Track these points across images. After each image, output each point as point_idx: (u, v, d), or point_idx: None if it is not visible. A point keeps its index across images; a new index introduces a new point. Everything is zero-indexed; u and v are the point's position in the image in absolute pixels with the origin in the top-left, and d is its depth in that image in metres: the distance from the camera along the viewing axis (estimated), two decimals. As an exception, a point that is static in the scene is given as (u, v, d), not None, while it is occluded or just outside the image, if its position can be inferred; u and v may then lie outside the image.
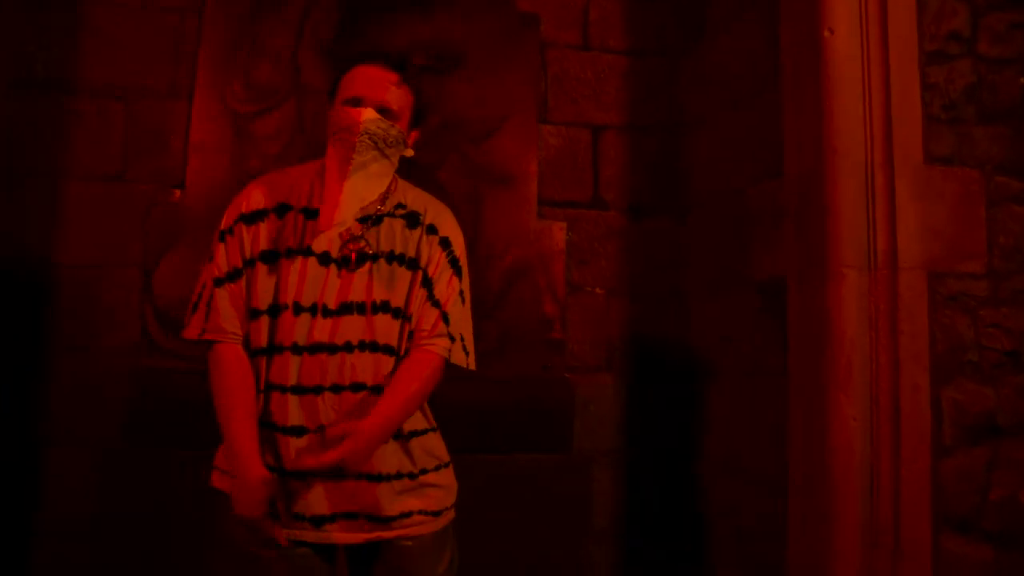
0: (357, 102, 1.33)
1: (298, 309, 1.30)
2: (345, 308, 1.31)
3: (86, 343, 2.29)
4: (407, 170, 1.50)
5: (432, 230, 1.41)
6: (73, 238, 2.30)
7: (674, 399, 2.55)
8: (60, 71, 2.34)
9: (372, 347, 1.32)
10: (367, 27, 2.47)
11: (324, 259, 1.31)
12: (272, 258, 1.32)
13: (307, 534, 1.30)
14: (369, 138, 1.31)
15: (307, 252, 1.31)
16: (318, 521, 1.29)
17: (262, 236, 1.33)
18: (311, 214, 1.34)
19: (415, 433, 1.38)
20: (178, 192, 2.35)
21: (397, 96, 1.37)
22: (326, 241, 1.31)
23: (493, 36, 2.53)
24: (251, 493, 1.24)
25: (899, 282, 1.88)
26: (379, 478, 1.32)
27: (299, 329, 1.29)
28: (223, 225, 1.36)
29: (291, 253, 1.32)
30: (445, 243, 1.41)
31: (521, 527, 2.34)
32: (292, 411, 1.29)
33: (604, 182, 2.60)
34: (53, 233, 2.30)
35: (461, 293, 1.41)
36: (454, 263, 1.41)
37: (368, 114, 1.31)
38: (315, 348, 1.29)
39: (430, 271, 1.38)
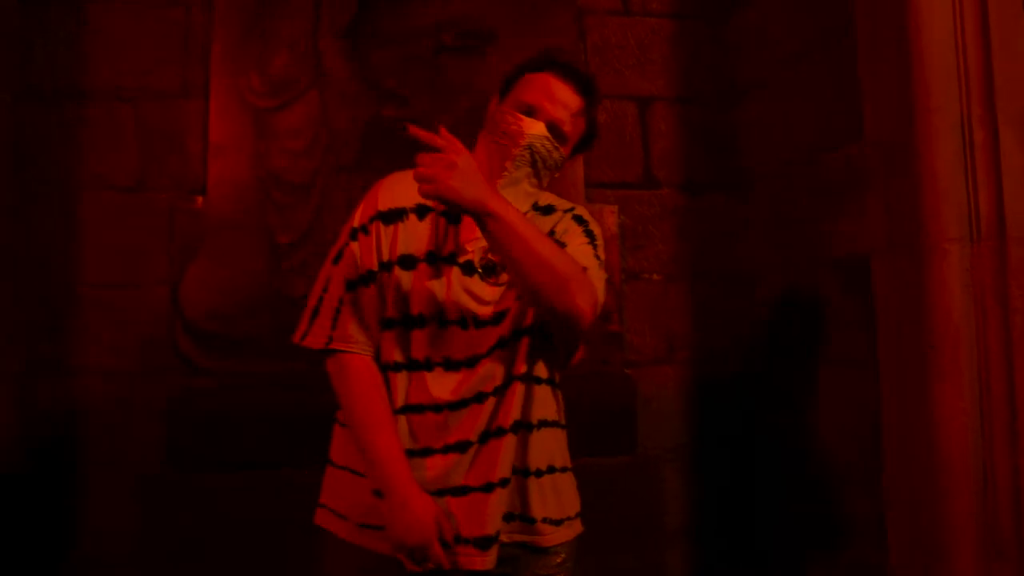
0: (530, 111, 1.21)
1: (443, 321, 1.17)
2: (499, 317, 1.17)
3: (116, 366, 2.16)
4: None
5: (568, 213, 1.27)
6: (93, 255, 2.17)
7: (743, 391, 2.35)
8: (68, 78, 2.19)
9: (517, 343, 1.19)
10: (388, 7, 2.27)
11: (468, 268, 1.18)
12: (411, 263, 1.18)
13: (474, 559, 1.14)
14: (531, 154, 1.20)
15: (451, 259, 1.18)
16: (484, 543, 1.14)
17: (400, 237, 1.18)
18: (453, 218, 1.21)
19: (557, 424, 1.26)
20: (200, 198, 2.19)
21: (573, 123, 1.25)
22: (469, 249, 1.19)
23: (526, 7, 2.31)
24: (419, 518, 1.10)
25: (1009, 255, 1.65)
26: (528, 473, 1.19)
27: (451, 342, 1.16)
28: (356, 221, 1.21)
29: (433, 259, 1.18)
30: (579, 220, 1.26)
31: (589, 534, 2.18)
32: (437, 430, 1.15)
33: (655, 158, 2.39)
34: (72, 252, 2.16)
35: (598, 259, 1.22)
36: (589, 235, 1.24)
37: (538, 128, 1.19)
38: (472, 361, 1.16)
39: (563, 239, 1.21)
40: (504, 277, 1.18)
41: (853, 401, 1.94)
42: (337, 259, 1.21)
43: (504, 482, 1.14)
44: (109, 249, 2.17)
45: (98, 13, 2.22)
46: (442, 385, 1.16)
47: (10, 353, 2.12)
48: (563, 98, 1.23)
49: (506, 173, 1.19)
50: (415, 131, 1.05)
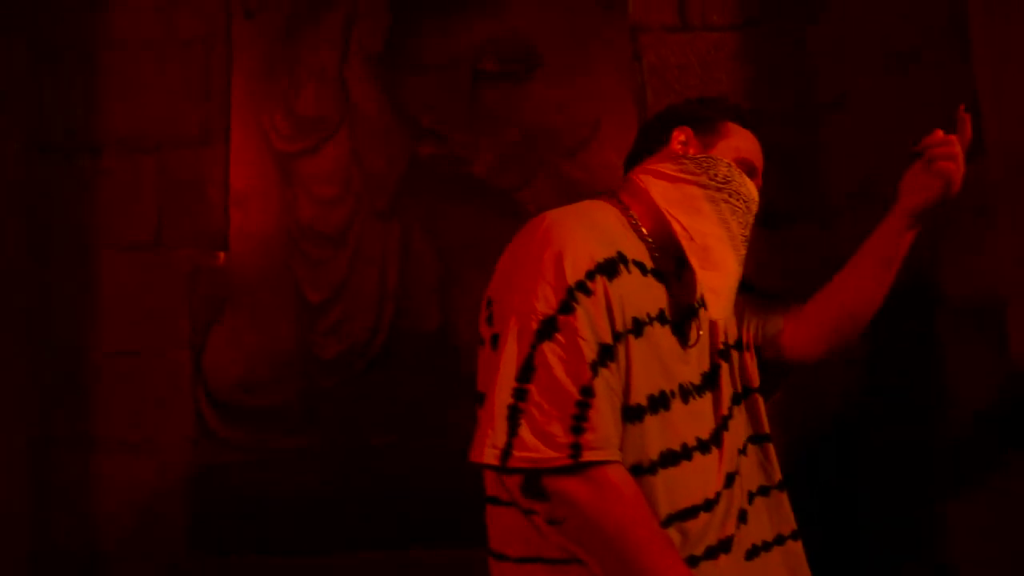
0: (752, 172, 1.15)
1: (686, 394, 0.99)
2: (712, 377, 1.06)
3: (136, 441, 1.96)
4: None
5: None
6: (111, 320, 1.98)
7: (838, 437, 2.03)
8: (83, 130, 2.03)
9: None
10: (423, 32, 2.07)
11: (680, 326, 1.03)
12: (640, 328, 0.94)
13: None
14: (752, 219, 1.10)
15: (663, 319, 0.99)
16: None
17: (627, 296, 0.93)
18: (659, 275, 1.02)
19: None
20: (222, 254, 2.00)
21: None
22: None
23: (573, 26, 2.08)
24: None
25: None
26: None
27: (697, 421, 1.00)
28: (570, 278, 0.89)
29: (664, 319, 0.99)
30: None
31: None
32: (708, 533, 0.94)
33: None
34: (88, 317, 1.98)
35: None
36: None
37: (756, 194, 1.13)
38: (717, 437, 1.01)
39: None
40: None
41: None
42: (545, 334, 0.88)
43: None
44: (127, 313, 1.99)
45: (113, 59, 2.07)
46: (704, 475, 0.97)
47: (21, 427, 1.94)
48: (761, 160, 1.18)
49: (746, 241, 1.07)
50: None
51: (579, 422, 0.85)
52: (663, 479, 0.92)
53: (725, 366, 1.08)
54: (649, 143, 1.14)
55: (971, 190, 1.59)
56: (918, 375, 1.82)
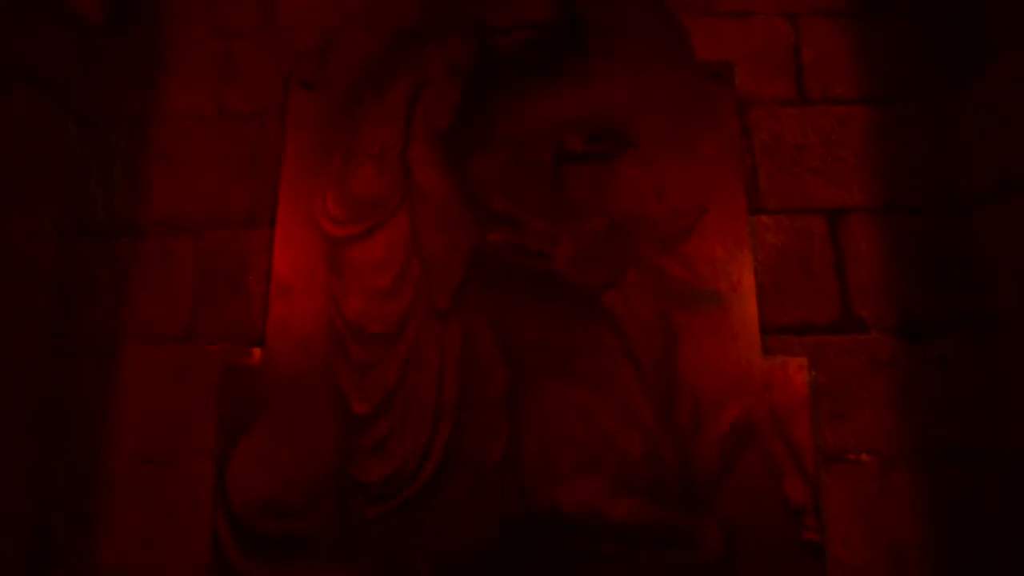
0: None
1: None
2: None
3: (143, 565, 1.68)
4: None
5: None
6: (130, 422, 1.73)
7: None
8: (124, 208, 1.84)
9: None
10: (496, 105, 1.82)
11: None
12: None
13: None
14: None
15: None
16: None
17: None
18: None
19: None
20: (257, 351, 1.73)
21: None
22: None
23: (671, 99, 1.80)
24: None
25: None
26: None
27: None
28: None
29: None
30: None
31: None
32: None
33: (856, 291, 1.74)
34: (106, 419, 1.74)
35: None
36: None
37: None
38: None
39: None
40: None
41: None
42: None
43: None
44: (148, 416, 1.73)
45: (162, 133, 1.89)
46: None
47: (18, 545, 1.68)
48: None
49: None
50: None
51: None
52: None
53: None
54: None
55: None
56: None
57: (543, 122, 1.81)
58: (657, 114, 1.79)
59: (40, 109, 1.82)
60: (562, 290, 1.68)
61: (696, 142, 1.77)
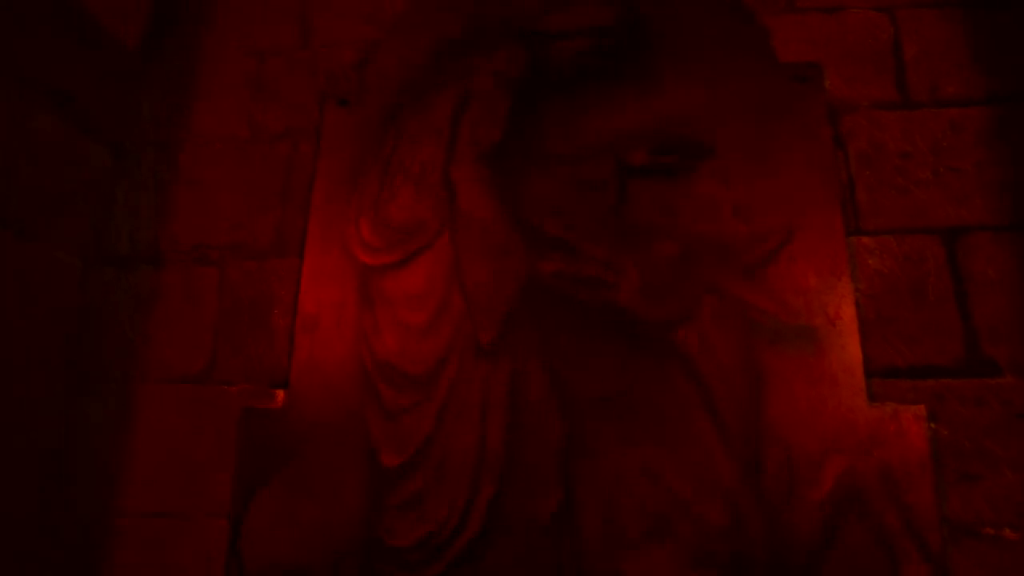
0: None
1: None
2: None
3: (151, 634, 1.49)
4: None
5: None
6: (142, 471, 1.56)
7: None
8: (148, 236, 1.72)
9: None
10: (550, 118, 1.62)
11: None
12: None
13: None
14: None
15: None
16: None
17: None
18: None
19: None
20: (280, 393, 1.55)
21: None
22: None
23: (751, 107, 1.56)
24: None
25: None
26: None
27: None
28: None
29: None
30: None
31: None
32: None
33: (984, 326, 1.44)
34: (118, 465, 1.58)
35: None
36: None
37: None
38: None
39: None
40: None
41: None
42: None
43: None
44: (162, 464, 1.56)
45: (193, 158, 1.77)
46: None
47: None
48: None
49: None
50: None
51: None
52: None
53: None
54: None
55: None
56: None
57: (603, 135, 1.60)
58: (735, 123, 1.56)
59: (67, 135, 1.73)
60: (626, 326, 1.44)
61: (781, 153, 1.53)
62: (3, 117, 1.55)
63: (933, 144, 1.56)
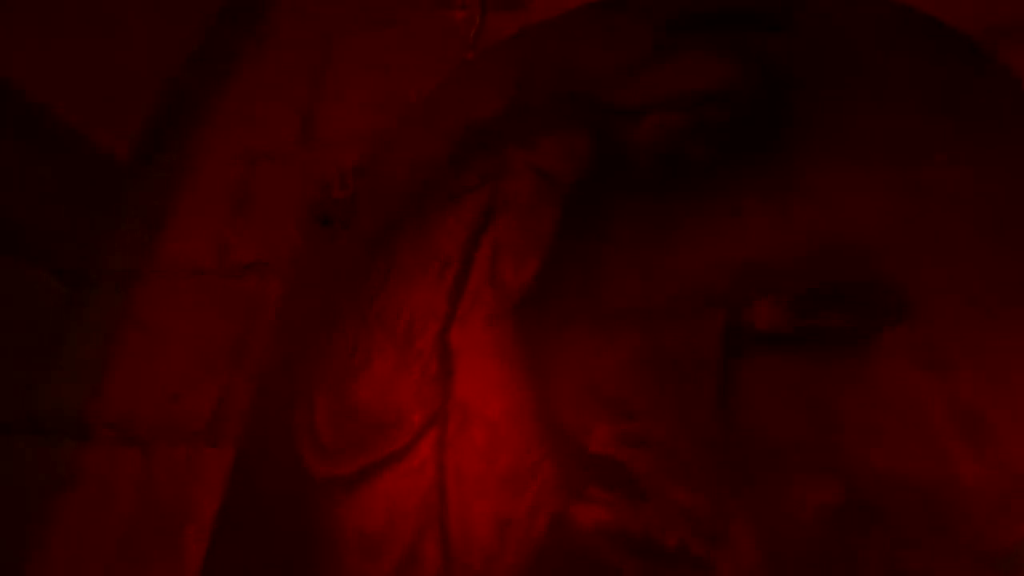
0: None
1: None
2: None
3: None
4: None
5: None
6: None
7: None
8: (78, 402, 1.29)
9: None
10: (620, 241, 0.98)
11: None
12: None
13: None
14: None
15: None
16: None
17: None
18: None
19: None
20: None
21: None
22: None
23: (990, 222, 0.82)
24: None
25: None
26: None
27: None
28: None
29: None
30: None
31: None
32: None
33: None
34: None
35: None
36: None
37: None
38: None
39: None
40: None
41: None
42: None
43: None
44: None
45: (148, 294, 1.34)
46: None
47: None
48: None
49: None
50: None
51: None
52: None
53: None
54: None
55: None
56: None
57: (706, 274, 0.92)
58: (955, 256, 0.82)
59: (11, 264, 1.37)
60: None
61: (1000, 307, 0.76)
62: None
63: None
